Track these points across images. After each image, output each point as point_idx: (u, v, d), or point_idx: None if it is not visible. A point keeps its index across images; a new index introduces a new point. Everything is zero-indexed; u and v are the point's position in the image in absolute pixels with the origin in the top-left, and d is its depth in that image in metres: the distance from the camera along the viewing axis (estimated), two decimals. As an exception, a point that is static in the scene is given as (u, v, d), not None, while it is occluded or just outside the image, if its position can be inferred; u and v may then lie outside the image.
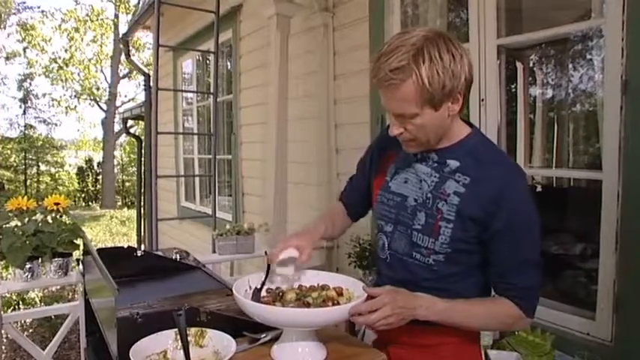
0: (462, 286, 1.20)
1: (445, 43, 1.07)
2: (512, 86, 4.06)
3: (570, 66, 4.28)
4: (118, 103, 20.27)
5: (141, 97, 15.06)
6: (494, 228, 1.13)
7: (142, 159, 7.62)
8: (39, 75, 21.01)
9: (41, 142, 20.84)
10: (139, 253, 1.68)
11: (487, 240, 1.15)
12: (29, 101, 20.93)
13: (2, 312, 2.18)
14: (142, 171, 7.52)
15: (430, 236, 1.18)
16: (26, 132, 20.61)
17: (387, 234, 1.28)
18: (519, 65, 4.05)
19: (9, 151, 19.75)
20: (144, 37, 16.84)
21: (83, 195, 20.25)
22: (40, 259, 2.20)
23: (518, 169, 1.24)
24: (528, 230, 1.15)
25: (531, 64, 4.33)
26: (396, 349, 1.27)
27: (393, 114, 1.14)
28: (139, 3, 7.52)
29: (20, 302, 6.18)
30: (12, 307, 5.85)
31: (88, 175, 20.80)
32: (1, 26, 18.77)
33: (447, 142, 1.20)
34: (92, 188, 20.65)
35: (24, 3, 20.51)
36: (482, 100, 2.30)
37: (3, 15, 17.78)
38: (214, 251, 2.91)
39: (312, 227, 1.36)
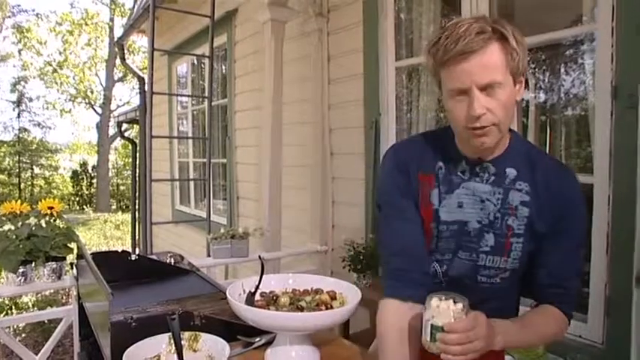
0: (509, 298, 1.17)
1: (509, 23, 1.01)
2: (506, 90, 4.09)
3: (562, 70, 4.32)
4: (112, 107, 20.21)
5: (135, 100, 15.05)
6: (557, 229, 1.06)
7: (137, 162, 7.60)
8: (33, 78, 20.95)
9: (35, 146, 20.72)
10: (133, 257, 1.69)
11: (545, 241, 1.08)
12: (23, 104, 20.84)
13: (-5, 317, 2.18)
14: (137, 174, 7.50)
15: (502, 256, 1.08)
16: (20, 135, 20.50)
17: (443, 262, 1.11)
18: (512, 70, 4.08)
19: (3, 155, 19.63)
20: (139, 41, 16.80)
21: (77, 199, 20.13)
22: (33, 263, 2.20)
23: (569, 169, 1.17)
24: (583, 233, 1.10)
25: (524, 69, 4.36)
26: None
27: (479, 85, 0.98)
28: (134, 7, 7.52)
29: (13, 307, 6.14)
30: (4, 312, 5.81)
31: (83, 178, 20.69)
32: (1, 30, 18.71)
33: (500, 147, 1.09)
34: (86, 192, 20.54)
35: (19, 6, 20.48)
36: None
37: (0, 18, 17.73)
38: (209, 255, 2.92)
39: None
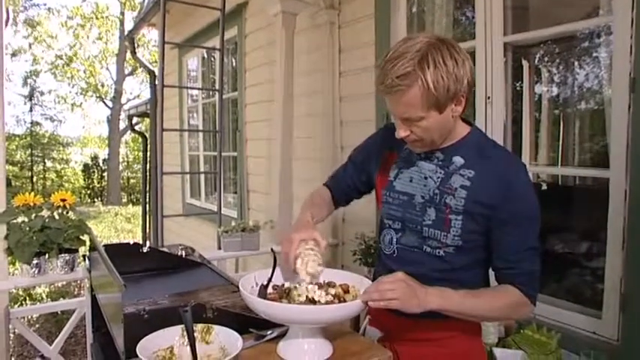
0: (466, 277, 1.24)
1: (448, 49, 1.10)
2: (518, 84, 4.04)
3: (577, 64, 4.26)
4: (123, 100, 20.33)
5: (146, 94, 15.12)
6: (501, 217, 1.17)
7: (148, 156, 7.64)
8: (45, 72, 21.11)
9: (47, 139, 20.94)
10: (144, 250, 1.69)
11: (493, 228, 1.19)
12: (35, 98, 21.02)
13: (9, 307, 2.20)
14: (147, 168, 7.54)
15: (442, 230, 1.21)
16: (32, 129, 20.70)
17: (396, 230, 1.31)
18: (525, 63, 4.03)
19: (15, 148, 19.85)
20: (149, 34, 16.86)
21: (88, 192, 20.33)
22: (46, 254, 2.22)
23: (518, 160, 1.33)
24: (532, 219, 1.20)
25: (537, 62, 4.30)
26: (402, 345, 1.28)
27: (400, 118, 1.17)
28: (144, 0, 7.53)
29: (27, 297, 6.23)
30: (19, 303, 5.90)
31: (94, 171, 20.88)
32: (13, 23, 18.80)
33: (450, 140, 1.24)
34: (97, 185, 20.73)
35: (30, 0, 20.58)
36: (489, 97, 2.29)
37: (13, 13, 17.82)
38: (219, 248, 2.93)
39: (304, 220, 1.32)
